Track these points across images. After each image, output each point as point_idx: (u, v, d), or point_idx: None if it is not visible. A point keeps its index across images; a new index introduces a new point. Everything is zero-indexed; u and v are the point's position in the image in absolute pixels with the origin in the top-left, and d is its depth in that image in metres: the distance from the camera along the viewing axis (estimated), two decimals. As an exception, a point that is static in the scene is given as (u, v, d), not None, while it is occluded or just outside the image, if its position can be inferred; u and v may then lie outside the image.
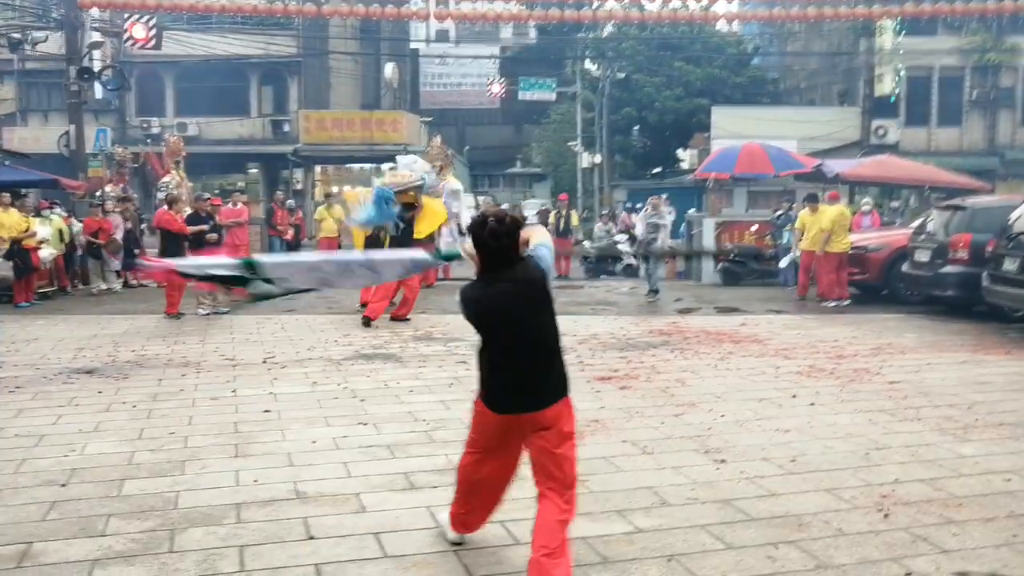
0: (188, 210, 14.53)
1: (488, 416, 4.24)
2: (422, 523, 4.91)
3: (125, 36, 25.60)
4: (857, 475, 5.76)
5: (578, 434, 6.55)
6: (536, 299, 4.16)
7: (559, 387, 4.27)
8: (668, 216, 16.03)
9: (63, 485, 5.57)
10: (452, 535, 4.65)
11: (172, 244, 13.59)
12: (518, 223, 4.15)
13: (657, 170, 43.84)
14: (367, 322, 12.28)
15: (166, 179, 20.21)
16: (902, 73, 34.59)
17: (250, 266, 5.38)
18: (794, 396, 7.98)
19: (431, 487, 5.51)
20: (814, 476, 5.75)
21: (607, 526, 4.90)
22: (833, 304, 14.55)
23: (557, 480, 4.14)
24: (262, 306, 14.47)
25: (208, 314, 13.60)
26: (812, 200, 15.36)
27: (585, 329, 12.03)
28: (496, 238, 4.04)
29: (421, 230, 13.04)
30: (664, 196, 16.40)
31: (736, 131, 31.93)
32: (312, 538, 4.72)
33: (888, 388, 8.31)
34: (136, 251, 17.90)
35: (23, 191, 18.04)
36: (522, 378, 4.15)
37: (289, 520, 4.96)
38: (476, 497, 4.47)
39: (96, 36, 26.50)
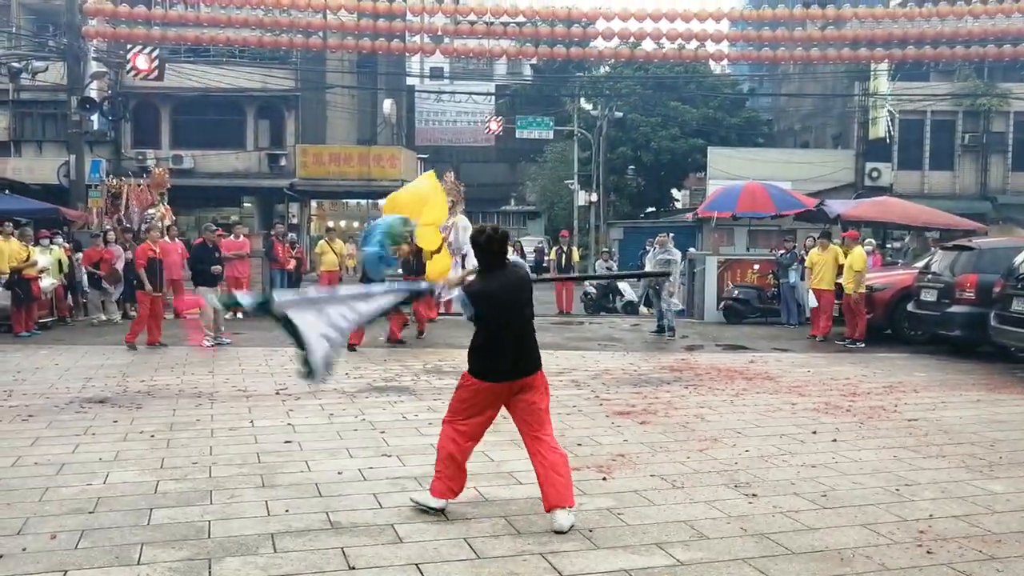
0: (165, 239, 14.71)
1: (483, 388, 5.39)
2: (464, 554, 4.85)
3: (128, 67, 25.63)
4: (891, 510, 5.74)
5: (605, 468, 6.60)
6: (528, 290, 5.59)
7: (538, 359, 5.57)
8: (677, 252, 16.09)
9: (91, 513, 5.49)
10: (438, 503, 5.46)
11: (150, 273, 13.71)
12: (507, 235, 5.59)
13: (651, 209, 44.09)
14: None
15: (151, 211, 20.20)
16: (896, 117, 34.99)
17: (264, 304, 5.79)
18: (815, 432, 7.96)
19: (465, 519, 5.45)
20: (848, 511, 5.72)
21: (648, 559, 4.85)
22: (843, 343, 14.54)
23: (545, 429, 5.48)
24: (268, 338, 14.44)
25: (213, 345, 13.52)
26: (825, 237, 15.38)
27: (596, 364, 12.01)
28: (499, 244, 5.40)
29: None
30: (671, 234, 16.45)
31: (731, 172, 32.26)
32: (353, 568, 4.66)
33: (907, 425, 8.31)
34: (136, 281, 17.79)
35: (22, 220, 17.97)
36: (521, 350, 5.42)
37: (326, 550, 4.90)
38: (455, 464, 5.46)
39: (96, 66, 26.58)
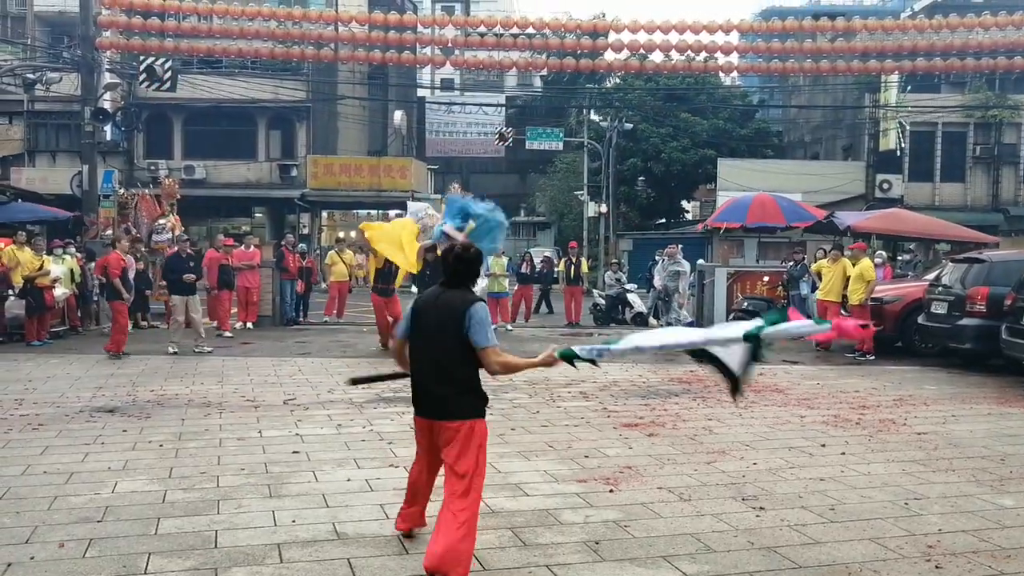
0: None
1: (415, 419, 4.85)
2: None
3: (141, 78, 25.74)
4: (899, 524, 5.71)
5: (612, 480, 6.57)
6: (461, 322, 4.56)
7: (465, 408, 4.64)
8: (686, 263, 16.08)
9: (99, 522, 5.51)
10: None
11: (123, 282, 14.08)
12: (480, 256, 4.85)
13: (661, 221, 44.04)
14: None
15: (161, 221, 20.31)
16: (906, 128, 34.93)
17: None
18: (823, 445, 7.93)
19: (472, 530, 5.44)
20: (856, 525, 5.70)
21: (655, 572, 4.84)
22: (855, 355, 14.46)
23: (454, 496, 4.59)
24: (276, 349, 14.50)
25: (190, 350, 13.70)
26: (838, 249, 15.34)
27: (604, 376, 11.99)
28: (459, 261, 4.72)
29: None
30: (679, 246, 16.45)
31: (741, 183, 32.26)
32: (359, 579, 4.66)
33: (917, 439, 8.27)
34: (148, 292, 17.90)
35: (35, 230, 18.07)
36: (428, 384, 4.66)
37: (332, 561, 4.91)
38: (411, 494, 5.17)
39: (110, 77, 26.70)
